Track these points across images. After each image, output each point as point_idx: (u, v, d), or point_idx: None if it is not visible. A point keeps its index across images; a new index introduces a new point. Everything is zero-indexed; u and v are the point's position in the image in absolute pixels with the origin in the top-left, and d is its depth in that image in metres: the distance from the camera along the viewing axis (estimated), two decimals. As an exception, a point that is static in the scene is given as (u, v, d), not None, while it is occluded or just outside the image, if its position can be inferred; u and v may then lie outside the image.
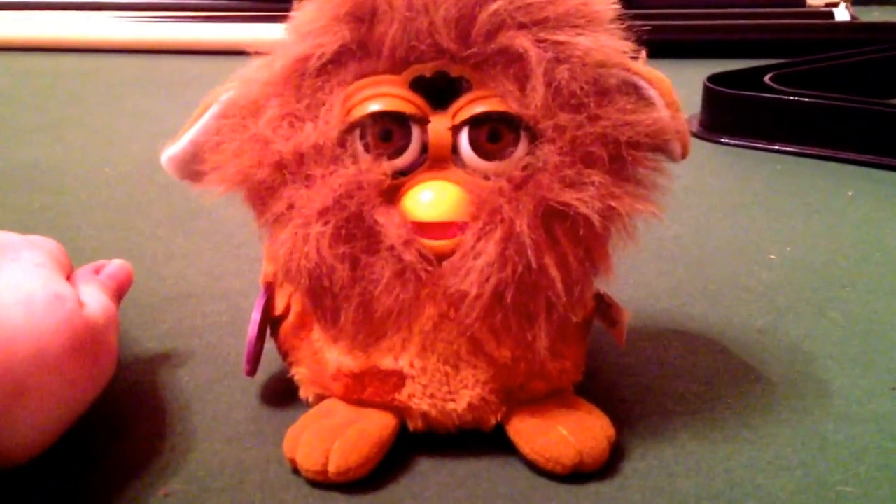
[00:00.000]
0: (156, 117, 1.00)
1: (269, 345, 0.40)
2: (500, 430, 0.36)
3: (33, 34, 1.51)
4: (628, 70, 0.33)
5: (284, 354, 0.39)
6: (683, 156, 0.35)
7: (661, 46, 0.37)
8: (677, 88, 0.35)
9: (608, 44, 0.33)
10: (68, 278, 0.37)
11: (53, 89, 1.21)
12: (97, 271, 0.40)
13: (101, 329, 0.34)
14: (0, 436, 0.30)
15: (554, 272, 0.32)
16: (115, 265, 0.41)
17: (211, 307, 0.50)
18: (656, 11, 1.45)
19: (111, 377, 0.36)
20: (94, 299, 0.35)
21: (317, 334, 0.36)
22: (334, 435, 0.34)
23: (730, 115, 0.92)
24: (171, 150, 0.36)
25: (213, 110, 0.35)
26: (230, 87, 0.35)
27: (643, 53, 0.34)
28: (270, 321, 0.39)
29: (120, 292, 0.40)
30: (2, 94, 1.19)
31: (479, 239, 0.32)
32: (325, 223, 0.32)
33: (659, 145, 0.34)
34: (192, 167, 0.35)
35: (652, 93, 0.34)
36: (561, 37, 0.32)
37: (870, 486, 0.34)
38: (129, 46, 1.45)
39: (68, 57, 1.42)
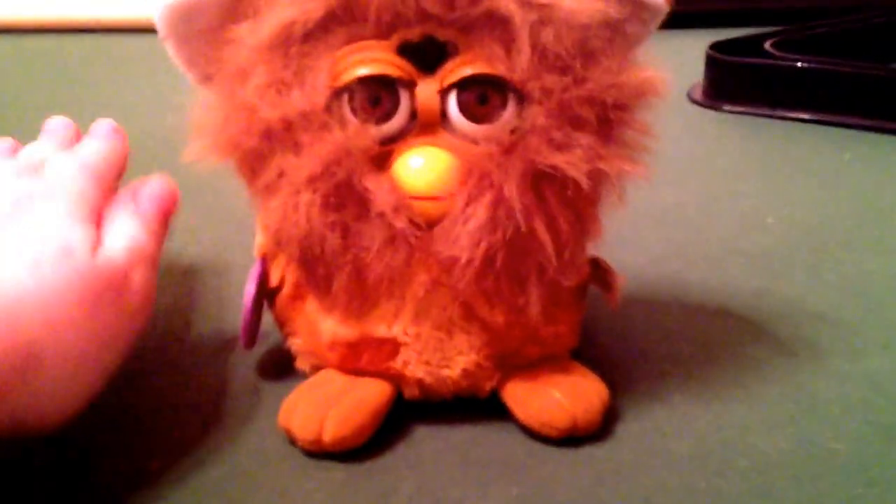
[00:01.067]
0: (163, 94, 1.00)
1: (269, 317, 0.40)
2: (495, 396, 0.36)
3: (38, 15, 1.50)
4: None
5: (281, 325, 0.39)
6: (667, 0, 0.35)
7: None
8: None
9: (592, 5, 0.32)
10: (107, 201, 0.36)
11: (60, 69, 1.21)
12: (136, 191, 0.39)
13: (119, 270, 0.33)
14: (21, 404, 0.30)
15: (544, 235, 0.32)
16: (154, 185, 0.39)
17: (214, 281, 0.50)
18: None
19: (148, 315, 0.35)
20: (117, 235, 0.34)
21: (311, 305, 0.36)
22: (329, 404, 0.34)
23: (732, 83, 0.91)
24: None
25: None
26: None
27: None
28: (267, 293, 0.39)
29: (164, 213, 0.39)
30: (8, 75, 1.18)
31: (468, 204, 0.32)
32: (315, 191, 0.32)
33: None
34: (183, 25, 0.34)
35: None
36: None
37: (860, 443, 0.35)
38: (138, 25, 1.44)
39: (76, 36, 1.41)
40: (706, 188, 0.66)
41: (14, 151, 0.44)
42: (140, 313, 0.34)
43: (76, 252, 0.32)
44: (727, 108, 0.89)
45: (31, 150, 0.43)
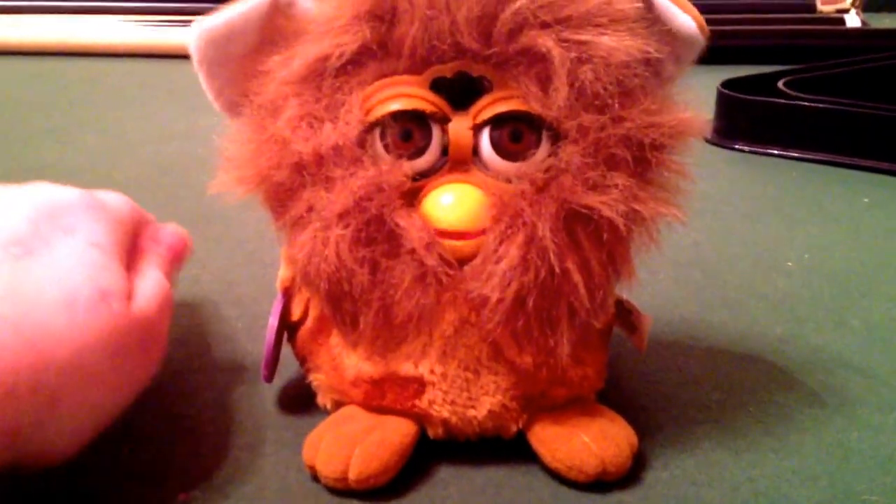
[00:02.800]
0: (166, 121, 1.00)
1: (286, 350, 0.39)
2: (521, 437, 0.35)
3: (42, 38, 1.50)
4: None
5: (302, 360, 0.38)
6: (702, 32, 0.34)
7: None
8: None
9: (631, 43, 0.32)
10: (133, 247, 0.35)
11: (63, 93, 1.21)
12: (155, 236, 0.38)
13: (152, 323, 0.33)
14: (30, 443, 0.29)
15: (577, 277, 0.32)
16: (172, 235, 0.39)
17: (226, 312, 0.49)
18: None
19: (163, 358, 0.34)
20: (149, 285, 0.34)
21: (335, 340, 0.36)
22: (354, 442, 0.34)
23: (744, 121, 0.91)
24: (207, 23, 0.33)
25: (260, 1, 0.33)
26: None
27: None
28: (287, 326, 0.38)
29: (177, 263, 0.39)
30: (11, 99, 1.18)
31: (500, 243, 0.32)
32: (346, 226, 0.31)
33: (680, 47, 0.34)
34: (216, 52, 0.34)
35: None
36: (584, 36, 0.31)
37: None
38: (139, 51, 1.45)
39: (77, 61, 1.41)
40: (721, 229, 0.65)
41: None
42: (157, 361, 0.34)
43: (113, 299, 0.31)
44: (739, 146, 0.89)
45: None
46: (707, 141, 0.91)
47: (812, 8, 1.70)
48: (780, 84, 0.92)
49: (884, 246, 0.62)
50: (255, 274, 0.55)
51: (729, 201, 0.73)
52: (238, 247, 0.59)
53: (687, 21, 0.33)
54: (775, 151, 0.87)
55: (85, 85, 1.27)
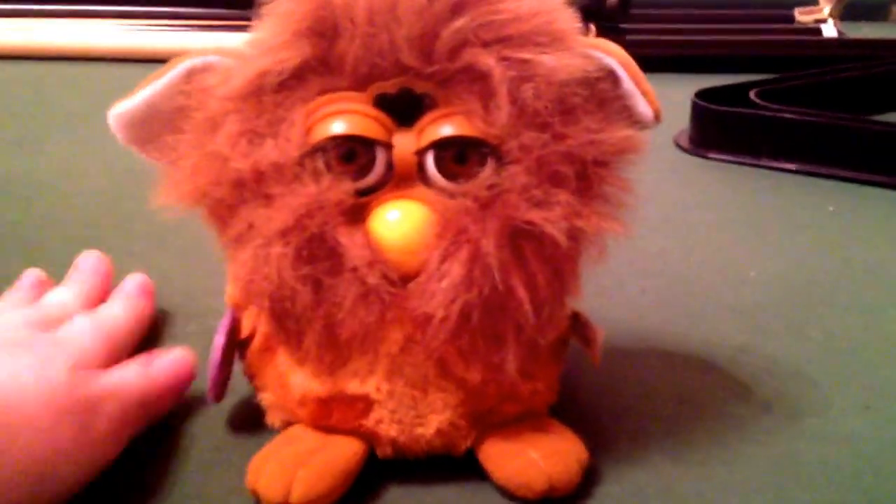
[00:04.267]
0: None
1: (239, 368, 0.39)
2: (471, 455, 0.35)
3: (14, 41, 1.48)
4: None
5: (251, 378, 0.38)
6: (657, 119, 0.35)
7: (648, 61, 0.36)
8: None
9: (572, 62, 0.32)
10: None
11: (34, 100, 1.19)
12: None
13: (91, 395, 0.34)
14: None
15: (521, 293, 0.31)
16: (170, 358, 0.39)
17: (185, 328, 0.49)
18: (644, 27, 1.45)
19: (116, 450, 0.35)
20: (110, 373, 0.36)
21: (282, 358, 0.36)
22: (298, 463, 0.33)
23: (717, 131, 0.91)
24: (122, 107, 0.34)
25: (174, 73, 0.33)
26: (196, 53, 0.33)
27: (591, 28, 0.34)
28: (238, 343, 0.38)
29: (176, 387, 0.39)
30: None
31: (444, 260, 0.31)
32: (286, 244, 0.31)
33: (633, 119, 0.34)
34: (141, 131, 0.34)
35: (620, 72, 0.34)
36: (525, 55, 0.31)
37: (842, 509, 0.34)
38: (113, 55, 1.43)
39: (49, 65, 1.39)
40: (690, 237, 0.65)
41: (38, 291, 0.46)
42: (107, 443, 0.34)
43: (56, 366, 0.34)
44: (712, 155, 0.89)
45: (54, 300, 0.44)
46: (681, 149, 0.91)
47: (790, 18, 1.71)
48: (752, 94, 0.92)
49: (845, 254, 0.62)
50: (218, 288, 0.54)
51: (698, 210, 0.73)
52: (205, 259, 0.58)
53: (646, 111, 0.34)
54: (747, 161, 0.87)
55: (57, 91, 1.24)
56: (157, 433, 0.39)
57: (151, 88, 0.33)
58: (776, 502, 0.34)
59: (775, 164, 0.85)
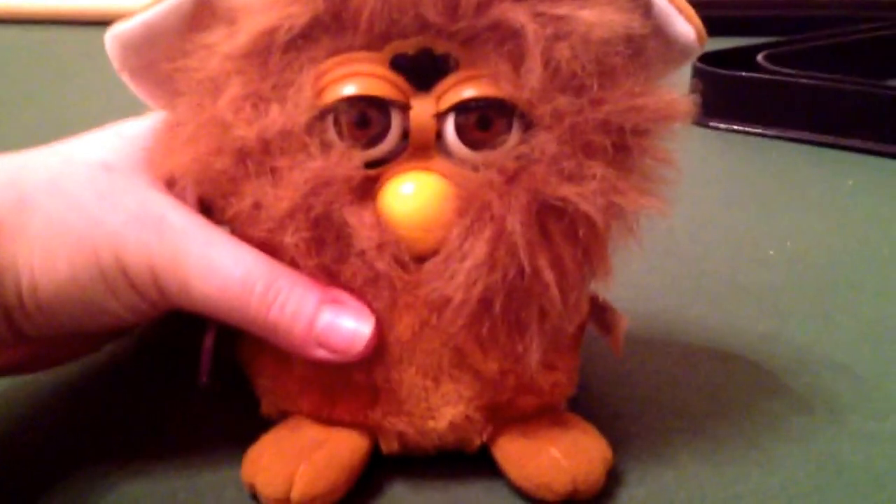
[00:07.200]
0: (109, 94, 0.95)
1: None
2: (485, 451, 0.33)
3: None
4: None
5: (246, 364, 0.35)
6: (700, 40, 0.31)
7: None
8: None
9: (614, 18, 0.29)
10: None
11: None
12: None
13: None
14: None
15: (548, 276, 0.29)
16: None
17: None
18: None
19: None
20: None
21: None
22: (299, 458, 0.30)
23: (721, 98, 0.88)
24: (118, 28, 0.30)
25: None
26: None
27: None
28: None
29: None
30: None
31: (465, 238, 0.29)
32: (296, 230, 0.28)
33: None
34: (137, 58, 0.31)
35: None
36: (561, 10, 0.28)
37: (892, 518, 0.31)
38: (86, 18, 1.38)
39: (16, 29, 1.34)
40: (697, 214, 0.62)
41: None
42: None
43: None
44: (715, 124, 0.86)
45: None
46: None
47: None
48: (760, 58, 0.89)
49: (870, 233, 0.59)
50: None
51: (705, 184, 0.69)
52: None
53: (686, 30, 0.31)
54: (754, 130, 0.84)
55: (25, 56, 1.20)
56: (146, 423, 0.36)
57: (151, 11, 0.30)
58: (820, 510, 0.31)
59: (785, 134, 0.82)
